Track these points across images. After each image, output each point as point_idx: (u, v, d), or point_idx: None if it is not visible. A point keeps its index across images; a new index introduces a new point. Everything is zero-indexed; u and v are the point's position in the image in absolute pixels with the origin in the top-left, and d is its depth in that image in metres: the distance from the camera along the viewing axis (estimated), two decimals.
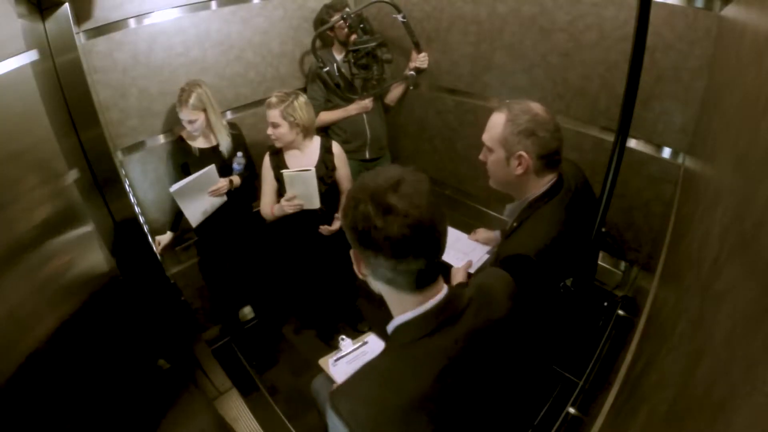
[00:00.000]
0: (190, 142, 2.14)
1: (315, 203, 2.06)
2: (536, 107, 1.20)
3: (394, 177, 0.75)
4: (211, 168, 2.09)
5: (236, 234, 2.37)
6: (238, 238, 2.38)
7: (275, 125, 1.99)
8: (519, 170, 1.20)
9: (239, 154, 2.20)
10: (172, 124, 2.26)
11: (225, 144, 2.19)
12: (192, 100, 2.01)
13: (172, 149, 2.18)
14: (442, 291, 0.83)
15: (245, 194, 2.35)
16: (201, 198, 2.12)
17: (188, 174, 2.10)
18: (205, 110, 2.08)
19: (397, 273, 0.76)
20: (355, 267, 0.84)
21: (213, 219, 2.19)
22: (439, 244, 0.78)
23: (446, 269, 1.01)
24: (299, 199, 2.05)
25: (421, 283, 0.79)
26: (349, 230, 0.77)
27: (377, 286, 0.83)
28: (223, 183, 2.16)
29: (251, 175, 2.31)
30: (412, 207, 0.72)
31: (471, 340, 0.82)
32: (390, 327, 0.85)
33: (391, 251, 0.73)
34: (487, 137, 1.25)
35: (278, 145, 2.06)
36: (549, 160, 1.20)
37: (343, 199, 0.81)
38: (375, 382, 0.78)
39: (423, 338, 0.79)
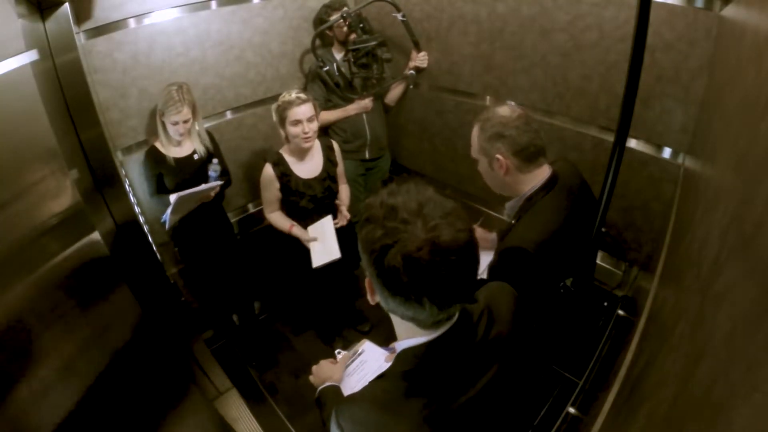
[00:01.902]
0: (164, 152, 2.06)
1: (334, 252, 2.02)
2: (502, 110, 1.25)
3: (432, 224, 0.66)
4: (215, 183, 2.09)
5: (216, 239, 2.34)
6: (218, 244, 2.35)
7: (311, 119, 1.93)
8: (501, 172, 1.25)
9: (215, 161, 2.15)
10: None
11: (202, 149, 2.14)
12: (189, 97, 1.99)
13: (147, 159, 2.07)
14: (455, 315, 0.79)
15: (220, 200, 2.32)
16: (188, 206, 2.11)
17: (163, 184, 2.08)
18: (194, 109, 2.04)
19: (417, 318, 0.73)
20: (368, 296, 0.80)
21: (192, 227, 2.15)
22: (469, 296, 0.73)
23: None
24: (318, 245, 2.05)
25: (439, 324, 0.76)
26: (370, 266, 0.71)
27: (389, 313, 0.79)
28: (211, 194, 2.16)
29: (227, 182, 2.28)
30: (447, 265, 0.65)
31: (476, 356, 0.80)
32: (397, 348, 0.81)
33: (417, 303, 0.68)
34: (472, 150, 1.32)
35: (307, 145, 1.98)
36: (525, 154, 1.22)
37: (362, 224, 0.72)
38: (373, 407, 0.78)
39: (427, 366, 0.77)
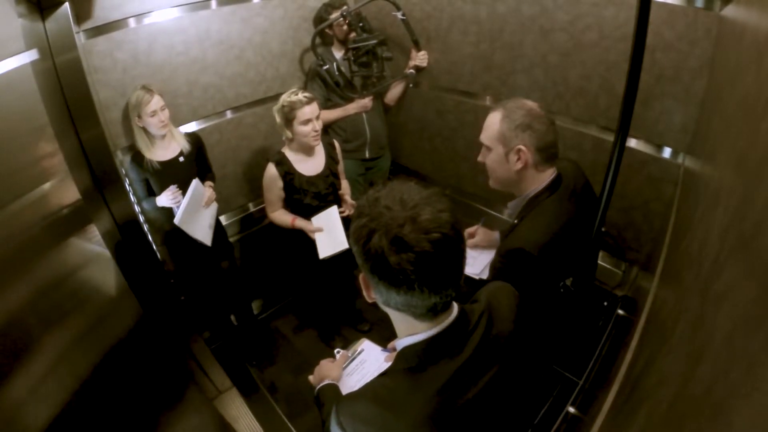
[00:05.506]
0: (149, 156, 2.03)
1: (342, 243, 2.01)
2: (530, 103, 1.22)
3: (412, 205, 0.69)
4: (196, 181, 2.07)
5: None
6: (210, 247, 2.27)
7: (318, 117, 1.96)
8: (518, 165, 1.21)
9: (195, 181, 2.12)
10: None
11: (186, 146, 2.13)
12: (155, 88, 1.98)
13: (133, 165, 2.03)
14: (453, 312, 0.80)
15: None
16: (200, 214, 2.11)
17: (150, 188, 2.06)
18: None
19: (410, 305, 0.74)
20: (364, 292, 0.81)
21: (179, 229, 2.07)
22: (458, 279, 0.75)
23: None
24: (324, 236, 2.05)
25: (434, 312, 0.76)
26: (360, 257, 0.73)
27: (386, 309, 0.80)
28: (210, 190, 2.16)
29: (211, 178, 2.28)
30: (430, 243, 0.67)
31: (476, 355, 0.80)
32: (398, 346, 0.83)
33: (406, 286, 0.69)
34: (484, 136, 1.27)
35: (316, 143, 2.01)
36: (547, 153, 1.21)
37: (353, 221, 0.75)
38: (374, 403, 0.78)
39: (428, 363, 0.78)
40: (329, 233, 2.04)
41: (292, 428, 2.13)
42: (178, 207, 2.04)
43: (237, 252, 2.70)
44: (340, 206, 2.14)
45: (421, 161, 2.88)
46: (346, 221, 2.06)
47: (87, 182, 1.50)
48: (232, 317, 2.71)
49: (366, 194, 0.76)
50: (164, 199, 2.04)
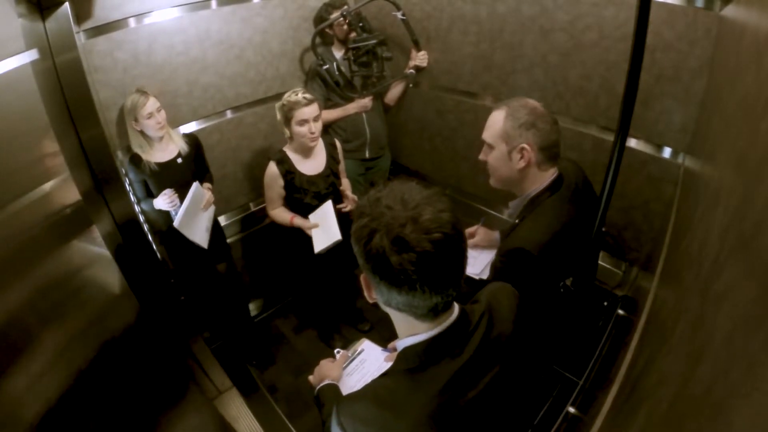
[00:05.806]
0: (147, 158, 2.01)
1: (335, 234, 2.01)
2: (533, 102, 1.23)
3: (413, 205, 0.70)
4: (196, 185, 2.07)
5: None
6: (207, 248, 2.25)
7: (317, 119, 1.96)
8: (521, 164, 1.21)
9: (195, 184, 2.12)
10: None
11: (184, 147, 2.12)
12: (149, 91, 1.97)
13: (131, 166, 2.01)
14: (454, 312, 0.80)
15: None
16: (199, 217, 2.11)
17: (149, 190, 2.06)
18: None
19: (411, 306, 0.73)
20: (365, 292, 0.81)
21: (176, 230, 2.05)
22: (459, 279, 0.75)
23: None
24: (319, 231, 2.05)
25: (435, 312, 0.76)
26: (361, 257, 0.73)
27: (387, 309, 0.80)
28: (209, 193, 2.16)
29: (209, 179, 2.29)
30: (431, 243, 0.67)
31: (477, 355, 0.80)
32: (399, 347, 0.83)
33: (408, 286, 0.69)
34: (487, 134, 1.26)
35: (313, 144, 2.01)
36: (550, 152, 1.21)
37: (354, 220, 0.75)
38: (375, 404, 0.78)
39: (429, 364, 0.78)
40: (323, 227, 2.04)
41: (292, 428, 2.13)
42: (175, 210, 2.04)
43: (238, 251, 2.70)
44: (341, 202, 2.14)
45: (421, 161, 2.88)
46: (344, 216, 2.07)
47: (87, 182, 1.50)
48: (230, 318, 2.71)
49: (367, 194, 0.76)
50: (161, 202, 2.03)
